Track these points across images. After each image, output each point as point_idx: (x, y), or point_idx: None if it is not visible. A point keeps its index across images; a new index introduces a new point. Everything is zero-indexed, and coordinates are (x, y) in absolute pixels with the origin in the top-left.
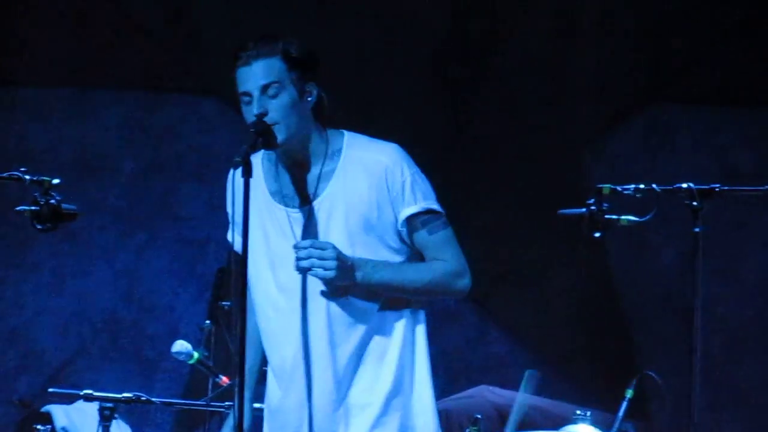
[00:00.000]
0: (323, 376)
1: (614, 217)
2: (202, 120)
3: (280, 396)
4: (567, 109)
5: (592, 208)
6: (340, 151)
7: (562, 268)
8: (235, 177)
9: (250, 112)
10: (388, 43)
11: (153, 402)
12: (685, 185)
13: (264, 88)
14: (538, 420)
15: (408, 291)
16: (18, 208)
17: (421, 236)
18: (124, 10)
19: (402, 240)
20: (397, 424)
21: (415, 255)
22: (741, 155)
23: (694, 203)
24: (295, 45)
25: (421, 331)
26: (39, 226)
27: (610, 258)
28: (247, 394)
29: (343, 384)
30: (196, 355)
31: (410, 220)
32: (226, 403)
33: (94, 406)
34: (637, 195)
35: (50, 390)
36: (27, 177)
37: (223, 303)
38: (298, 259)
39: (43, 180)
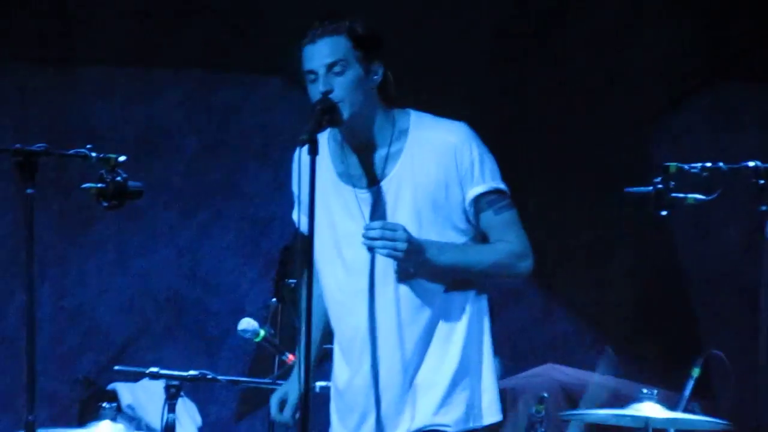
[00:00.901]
0: (391, 357)
1: (681, 195)
2: (265, 99)
3: (348, 376)
4: (631, 87)
5: (659, 186)
6: (407, 131)
7: (626, 247)
8: (301, 155)
9: (316, 90)
10: (450, 18)
11: (219, 380)
12: (752, 163)
13: (329, 66)
14: (604, 398)
15: (473, 272)
16: (84, 186)
17: (487, 216)
18: None
19: (468, 220)
20: (464, 404)
21: (479, 236)
22: None
23: (761, 182)
24: (361, 24)
25: (485, 311)
26: (105, 204)
27: (674, 237)
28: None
29: (411, 365)
30: (262, 332)
31: (478, 199)
32: None
33: (159, 384)
34: (704, 174)
35: (116, 368)
36: (93, 154)
37: (289, 281)
38: (369, 239)
39: (110, 157)
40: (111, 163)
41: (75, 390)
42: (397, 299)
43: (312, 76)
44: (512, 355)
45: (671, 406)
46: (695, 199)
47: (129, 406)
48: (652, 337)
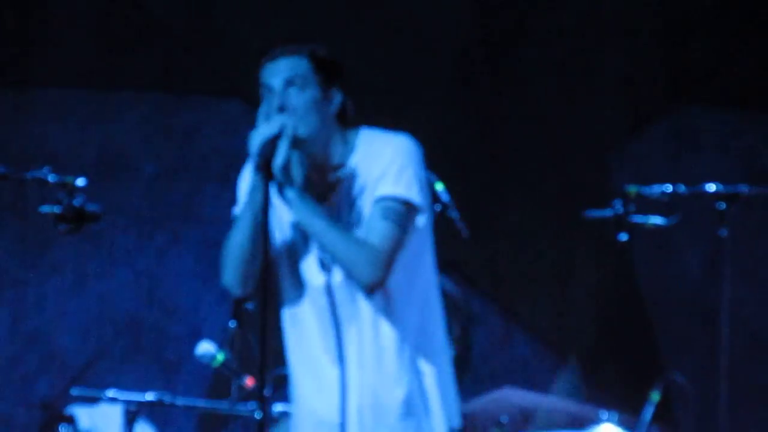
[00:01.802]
0: (351, 378)
1: (641, 220)
2: (224, 121)
3: (309, 394)
4: (591, 110)
5: (618, 210)
6: (354, 147)
7: (586, 270)
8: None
9: (269, 106)
10: (410, 39)
11: (177, 404)
12: (712, 187)
13: (288, 81)
14: (563, 422)
15: (320, 239)
16: (42, 209)
17: (373, 214)
18: (146, 10)
19: None
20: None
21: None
22: (766, 158)
23: (720, 205)
24: (323, 50)
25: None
26: (62, 227)
27: (634, 260)
28: None
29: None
30: (219, 357)
31: (379, 200)
32: (250, 405)
33: (118, 408)
34: (664, 197)
35: (74, 391)
36: (51, 178)
37: (247, 304)
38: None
39: (67, 181)
40: (69, 186)
41: (32, 414)
42: (353, 320)
43: (269, 92)
44: (472, 379)
45: (631, 430)
46: (655, 224)
47: (87, 431)
48: (612, 361)
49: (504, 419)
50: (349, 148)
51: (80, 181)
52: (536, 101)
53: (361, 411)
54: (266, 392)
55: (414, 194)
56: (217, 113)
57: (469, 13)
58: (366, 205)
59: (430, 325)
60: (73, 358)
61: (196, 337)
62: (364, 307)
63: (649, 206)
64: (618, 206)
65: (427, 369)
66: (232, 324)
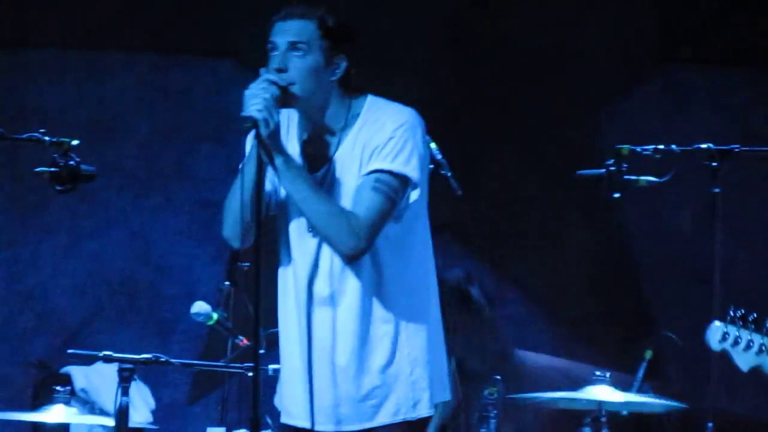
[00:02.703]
0: (325, 347)
1: (633, 177)
2: (217, 81)
3: (291, 353)
4: (584, 70)
5: (611, 168)
6: (359, 115)
7: (579, 229)
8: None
9: (273, 63)
10: (402, 4)
11: (172, 363)
12: (704, 146)
13: (291, 45)
14: (557, 380)
15: (302, 204)
16: (37, 169)
17: (363, 184)
18: None
19: None
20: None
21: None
22: (758, 116)
23: (713, 164)
24: (334, 17)
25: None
26: (58, 188)
27: (627, 219)
28: None
29: (347, 357)
30: (215, 316)
31: (371, 173)
32: (245, 364)
33: (113, 368)
34: (656, 156)
35: (69, 351)
36: (46, 138)
37: (242, 264)
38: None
39: (63, 141)
40: (64, 147)
41: (28, 373)
42: (338, 286)
43: (273, 50)
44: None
45: (625, 388)
46: (647, 181)
47: (82, 390)
48: (604, 320)
49: (498, 377)
50: (352, 114)
51: (75, 142)
52: (528, 62)
53: (341, 371)
54: (260, 351)
55: (411, 170)
56: (211, 73)
57: None
58: (360, 174)
59: (423, 298)
60: (69, 318)
61: (191, 297)
62: (354, 275)
63: (641, 165)
64: (610, 165)
65: (415, 342)
66: (226, 284)
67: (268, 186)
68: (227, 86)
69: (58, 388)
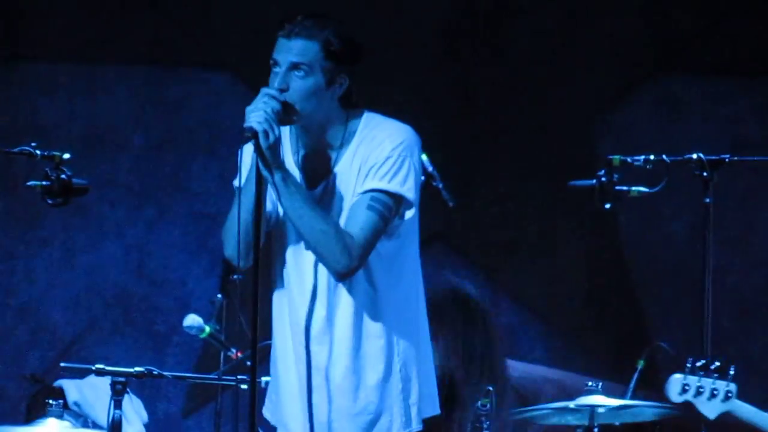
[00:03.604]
0: (322, 357)
1: (624, 188)
2: (211, 94)
3: (282, 371)
4: (576, 80)
5: (603, 179)
6: (355, 131)
7: (572, 239)
8: (246, 150)
9: (274, 80)
10: (396, 15)
11: (165, 376)
12: (695, 156)
13: (293, 65)
14: (550, 391)
15: (297, 222)
16: (29, 183)
17: (358, 203)
18: None
19: None
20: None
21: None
22: (750, 126)
23: (704, 173)
24: (340, 37)
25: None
26: (50, 201)
27: (620, 229)
28: None
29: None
30: (207, 329)
31: (368, 191)
32: (238, 376)
33: (106, 381)
34: (648, 166)
35: (62, 365)
36: (38, 152)
37: (235, 276)
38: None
39: (54, 155)
40: (56, 160)
41: (22, 386)
42: (333, 302)
43: (275, 66)
44: None
45: (618, 398)
46: (639, 191)
47: (75, 403)
48: (598, 330)
49: (491, 388)
50: (349, 131)
51: (66, 156)
52: (520, 72)
53: (336, 387)
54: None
55: (407, 190)
56: (205, 86)
57: None
58: (356, 191)
59: (414, 313)
60: (63, 331)
61: (185, 310)
62: (348, 292)
63: (633, 175)
64: (602, 175)
65: (407, 357)
66: (219, 296)
67: (268, 205)
68: (221, 99)
69: (50, 401)
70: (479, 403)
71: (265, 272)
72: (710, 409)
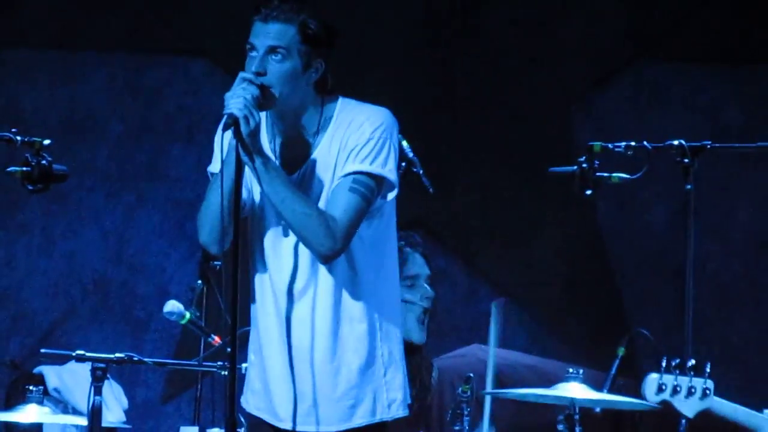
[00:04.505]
0: (303, 346)
1: (605, 174)
2: (189, 81)
3: (262, 356)
4: (555, 67)
5: (583, 165)
6: (332, 117)
7: (552, 226)
8: (225, 135)
9: (251, 63)
10: (374, 3)
11: (146, 362)
12: (676, 142)
13: (270, 49)
14: (529, 378)
15: (279, 205)
16: (9, 169)
17: (339, 185)
18: None
19: None
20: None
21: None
22: (729, 113)
23: (686, 160)
24: (316, 20)
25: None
26: (30, 187)
27: (600, 216)
28: None
29: (320, 356)
30: (187, 315)
31: (348, 174)
32: (218, 363)
33: (85, 367)
34: (629, 152)
35: (42, 351)
36: (18, 138)
37: (214, 263)
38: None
39: (34, 141)
40: (36, 146)
41: (2, 373)
42: (315, 286)
43: (251, 51)
44: (437, 335)
45: (597, 386)
46: (620, 178)
47: (55, 389)
48: (578, 317)
49: (471, 375)
50: (325, 117)
51: (46, 142)
52: (499, 59)
53: (320, 372)
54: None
55: (388, 171)
56: (183, 73)
57: None
58: (337, 175)
59: (394, 297)
60: (42, 317)
61: (164, 296)
62: (329, 273)
63: (613, 162)
64: (582, 162)
65: (389, 342)
66: (199, 282)
67: (243, 192)
68: (199, 86)
69: (30, 387)
70: (460, 389)
71: (243, 259)
72: (688, 408)
